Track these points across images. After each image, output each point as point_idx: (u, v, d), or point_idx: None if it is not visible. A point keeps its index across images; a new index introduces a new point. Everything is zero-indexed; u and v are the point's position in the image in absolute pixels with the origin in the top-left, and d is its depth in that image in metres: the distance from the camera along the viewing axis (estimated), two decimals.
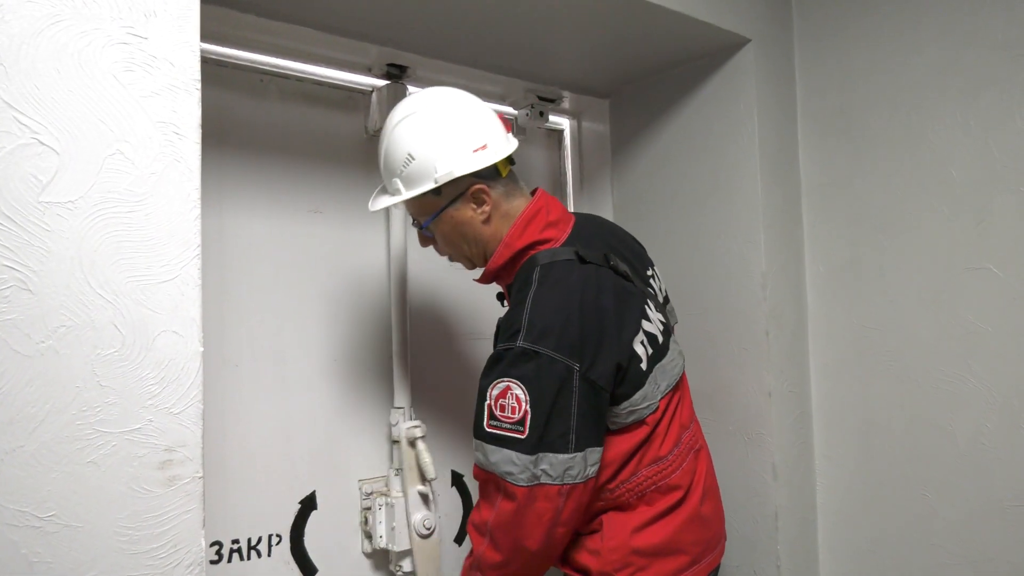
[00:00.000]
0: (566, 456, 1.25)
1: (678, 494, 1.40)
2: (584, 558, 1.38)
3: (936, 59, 1.68)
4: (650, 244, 2.06)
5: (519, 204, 1.44)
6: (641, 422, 1.36)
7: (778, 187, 1.87)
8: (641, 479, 1.38)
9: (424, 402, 1.94)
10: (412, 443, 1.76)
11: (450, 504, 1.99)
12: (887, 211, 1.77)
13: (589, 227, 1.50)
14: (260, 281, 1.72)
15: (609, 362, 1.30)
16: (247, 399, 1.68)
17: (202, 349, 1.00)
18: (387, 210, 1.87)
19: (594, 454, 1.29)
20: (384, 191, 1.47)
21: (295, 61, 1.77)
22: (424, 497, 1.75)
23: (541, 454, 1.24)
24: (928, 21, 1.69)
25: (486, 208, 1.39)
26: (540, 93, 2.12)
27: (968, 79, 1.63)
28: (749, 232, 1.84)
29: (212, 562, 1.62)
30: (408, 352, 1.84)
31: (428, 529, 1.71)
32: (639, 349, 1.37)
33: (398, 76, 1.86)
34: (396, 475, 1.79)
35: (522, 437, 1.24)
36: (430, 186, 1.36)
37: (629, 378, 1.33)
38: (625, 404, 1.34)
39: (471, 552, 1.38)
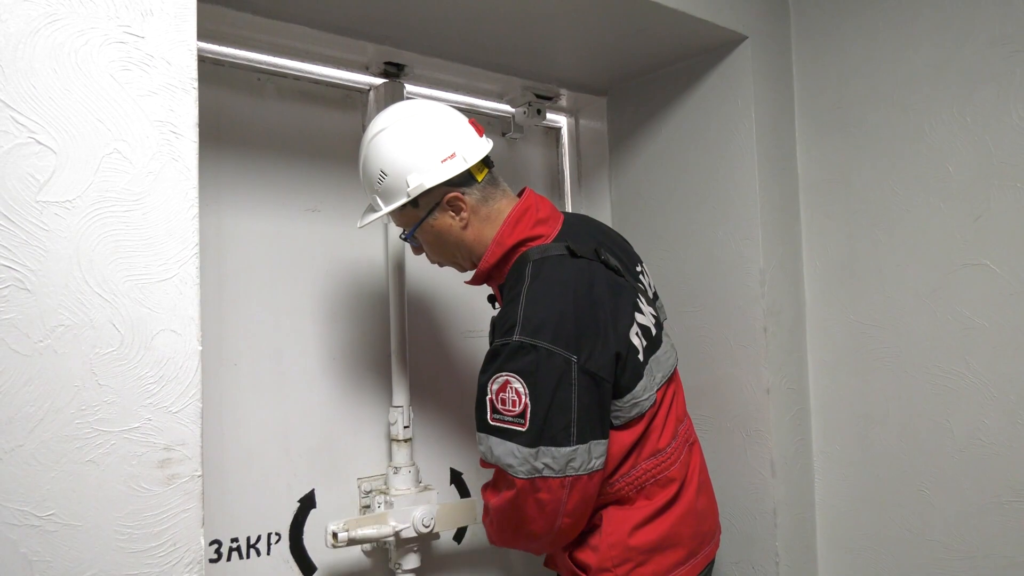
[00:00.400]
0: (568, 449, 1.26)
1: (675, 487, 1.42)
2: (584, 555, 1.40)
3: (932, 55, 1.68)
4: (648, 241, 2.07)
5: (501, 206, 1.46)
6: (641, 415, 1.38)
7: (775, 183, 1.87)
8: (640, 472, 1.39)
9: (422, 399, 1.94)
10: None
11: (449, 502, 1.99)
12: (884, 207, 1.77)
13: (578, 224, 1.53)
14: (258, 279, 1.72)
15: (607, 352, 1.31)
16: (246, 398, 1.68)
17: (200, 348, 1.00)
18: None
19: (599, 446, 1.30)
20: (370, 208, 1.51)
21: (292, 60, 1.77)
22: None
23: (542, 447, 1.25)
24: (924, 17, 1.69)
25: (464, 215, 1.42)
26: (537, 91, 2.12)
27: (965, 75, 1.63)
28: (747, 228, 1.84)
29: (211, 561, 1.62)
30: (406, 350, 1.84)
31: (427, 526, 1.72)
32: (635, 341, 1.39)
33: (396, 74, 1.86)
34: (395, 473, 1.79)
35: (523, 430, 1.25)
36: (404, 200, 1.40)
37: (629, 368, 1.35)
38: (628, 396, 1.35)
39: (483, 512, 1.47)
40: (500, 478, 1.34)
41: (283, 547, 1.73)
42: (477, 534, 2.01)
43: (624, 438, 1.37)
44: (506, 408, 1.27)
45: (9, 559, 0.86)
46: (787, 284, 1.89)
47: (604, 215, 2.22)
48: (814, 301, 1.92)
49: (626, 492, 1.39)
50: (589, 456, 1.28)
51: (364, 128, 1.87)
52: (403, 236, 1.51)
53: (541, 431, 1.25)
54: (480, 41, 1.79)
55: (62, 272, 0.90)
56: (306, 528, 1.75)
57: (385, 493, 1.78)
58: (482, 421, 1.32)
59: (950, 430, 1.67)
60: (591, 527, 1.41)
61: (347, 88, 1.89)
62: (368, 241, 1.89)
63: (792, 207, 1.92)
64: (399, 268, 1.84)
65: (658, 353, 1.46)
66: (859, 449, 1.84)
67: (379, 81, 1.86)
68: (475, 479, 2.05)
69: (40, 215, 0.89)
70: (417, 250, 1.55)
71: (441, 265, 1.56)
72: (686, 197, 1.98)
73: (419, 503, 1.75)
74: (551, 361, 1.26)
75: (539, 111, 2.15)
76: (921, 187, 1.70)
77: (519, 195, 1.51)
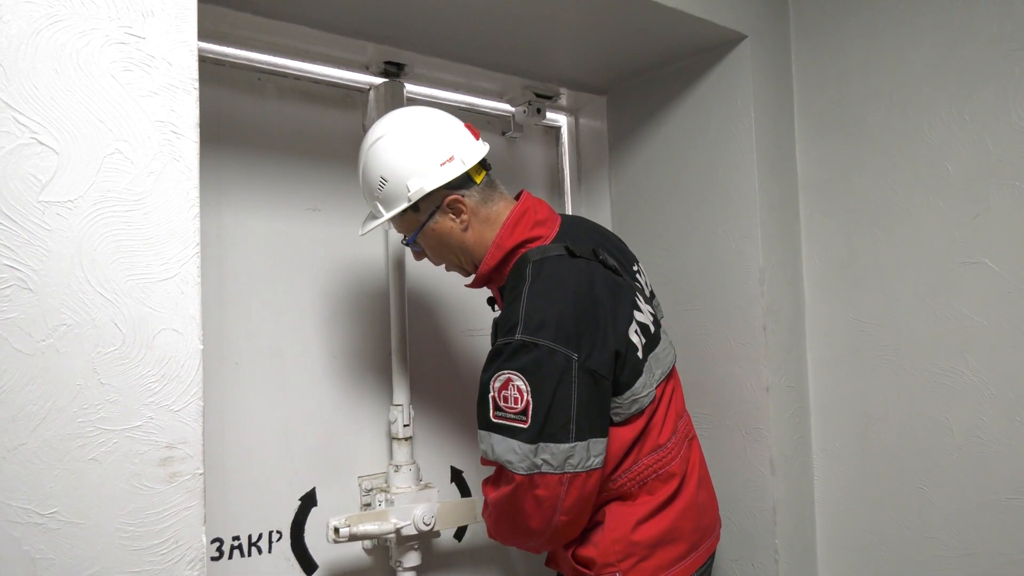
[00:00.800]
0: (567, 446, 1.27)
1: (675, 482, 1.43)
2: (587, 551, 1.41)
3: (932, 54, 1.68)
4: (647, 240, 2.07)
5: (500, 208, 1.47)
6: (641, 411, 1.39)
7: (775, 182, 1.87)
8: (642, 467, 1.40)
9: (423, 398, 1.95)
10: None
11: (449, 500, 2.00)
12: (883, 206, 1.77)
13: (575, 226, 1.54)
14: (259, 279, 1.73)
15: (607, 351, 1.33)
16: (247, 396, 1.69)
17: (202, 347, 1.00)
18: None
19: (598, 444, 1.31)
20: (371, 215, 1.52)
21: (292, 59, 1.77)
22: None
23: (542, 444, 1.26)
24: (924, 16, 1.70)
25: (464, 217, 1.44)
26: (537, 90, 2.13)
27: (964, 74, 1.63)
28: (746, 227, 1.84)
29: (213, 559, 1.63)
30: (407, 348, 1.85)
31: (428, 524, 1.72)
32: (634, 339, 1.40)
33: (396, 74, 1.86)
34: (395, 471, 1.79)
35: (524, 427, 1.27)
36: (405, 204, 1.42)
37: (628, 366, 1.36)
38: (628, 393, 1.36)
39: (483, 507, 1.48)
40: (500, 474, 1.36)
41: (284, 545, 1.73)
42: (478, 532, 2.02)
43: (625, 434, 1.38)
44: (508, 406, 1.28)
45: (12, 557, 0.86)
46: (786, 283, 1.89)
47: (604, 214, 2.22)
48: (813, 300, 1.93)
49: (628, 488, 1.40)
50: (588, 454, 1.29)
51: (364, 128, 1.88)
52: (405, 241, 1.52)
53: (542, 428, 1.26)
54: (480, 40, 1.79)
55: (64, 272, 0.91)
56: (307, 526, 1.76)
57: (386, 491, 1.78)
58: (484, 419, 1.33)
59: (949, 428, 1.67)
60: (594, 524, 1.42)
61: (347, 88, 1.89)
62: (368, 240, 1.90)
63: (791, 206, 1.93)
64: (399, 267, 1.85)
65: (657, 350, 1.48)
66: (858, 447, 1.84)
67: (379, 81, 1.86)
68: (475, 477, 2.05)
69: (42, 215, 0.90)
70: (419, 255, 1.56)
71: (448, 268, 1.57)
72: (686, 196, 1.98)
73: (420, 501, 1.75)
74: (552, 359, 1.27)
75: (539, 110, 2.15)
76: (920, 186, 1.71)
77: (516, 198, 1.52)
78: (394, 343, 1.84)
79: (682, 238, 1.99)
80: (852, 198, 1.83)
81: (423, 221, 1.44)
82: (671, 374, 1.53)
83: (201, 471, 1.00)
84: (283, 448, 1.74)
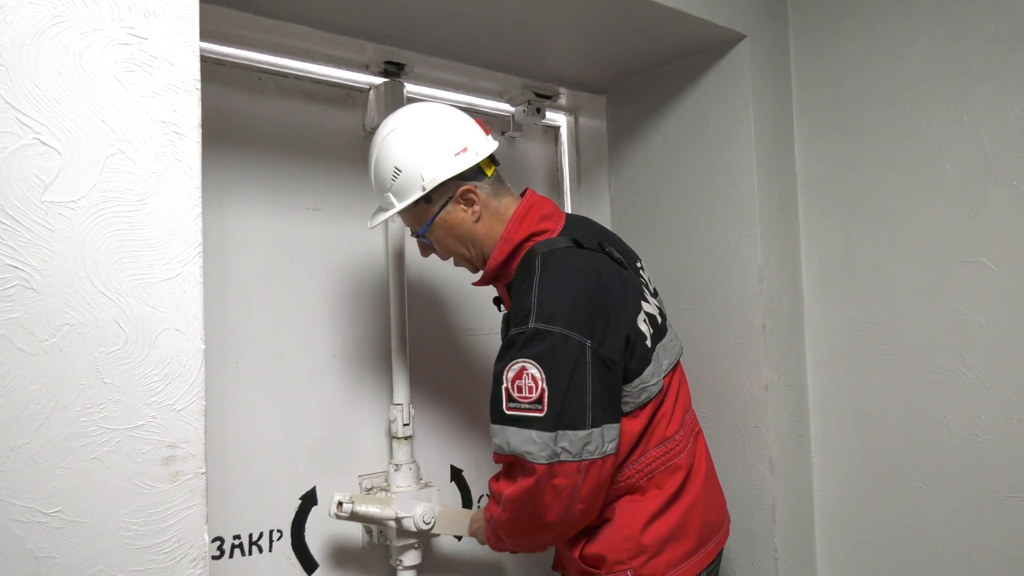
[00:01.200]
0: (584, 432, 1.27)
1: (682, 474, 1.43)
2: (596, 549, 1.40)
3: (929, 53, 1.69)
4: (647, 239, 2.08)
5: (508, 203, 1.49)
6: (650, 400, 1.40)
7: (774, 181, 1.88)
8: (650, 459, 1.41)
9: (423, 397, 1.95)
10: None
11: (450, 499, 2.01)
12: (882, 205, 1.78)
13: (580, 222, 1.56)
14: (260, 278, 1.73)
15: (619, 337, 1.34)
16: (247, 396, 1.69)
17: (204, 346, 1.01)
18: None
19: (611, 430, 1.32)
20: (380, 208, 1.52)
21: (293, 59, 1.78)
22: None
23: (560, 431, 1.27)
24: (922, 15, 1.70)
25: (476, 207, 1.45)
26: (537, 89, 2.13)
27: (962, 73, 1.64)
28: (745, 226, 1.85)
29: (214, 558, 1.63)
30: (407, 348, 1.85)
31: (427, 523, 1.72)
32: (643, 327, 1.42)
33: (396, 73, 1.87)
34: (396, 470, 1.80)
35: (541, 415, 1.27)
36: (419, 193, 1.42)
37: (637, 354, 1.37)
38: (636, 381, 1.37)
39: (488, 507, 1.46)
40: (517, 468, 1.34)
41: (285, 544, 1.74)
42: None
43: (633, 425, 1.39)
44: (522, 395, 1.28)
45: (16, 555, 0.87)
46: (785, 281, 1.90)
47: (603, 213, 2.22)
48: (812, 298, 1.93)
49: (636, 480, 1.41)
50: (603, 440, 1.30)
51: (364, 128, 1.89)
52: (416, 233, 1.51)
53: (559, 415, 1.27)
54: (480, 40, 1.80)
55: (67, 272, 0.91)
56: (308, 525, 1.77)
57: (386, 490, 1.79)
58: (497, 412, 1.32)
59: (947, 426, 1.68)
60: (602, 521, 1.42)
61: (348, 87, 1.90)
62: (369, 239, 1.90)
63: (790, 205, 1.93)
64: (400, 266, 1.85)
65: (664, 340, 1.49)
66: (857, 445, 1.85)
67: (379, 80, 1.87)
68: (475, 476, 2.06)
69: (45, 215, 0.90)
70: (427, 249, 1.55)
71: (456, 263, 1.57)
72: (685, 195, 1.99)
73: (420, 500, 1.76)
74: (567, 345, 1.28)
75: (538, 110, 2.15)
76: (918, 185, 1.71)
77: (521, 196, 1.53)
78: (394, 342, 1.84)
79: (681, 237, 1.99)
80: (851, 197, 1.84)
81: (435, 212, 1.45)
82: (677, 367, 1.54)
83: (203, 470, 1.00)
84: (283, 447, 1.74)
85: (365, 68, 1.86)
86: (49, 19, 0.91)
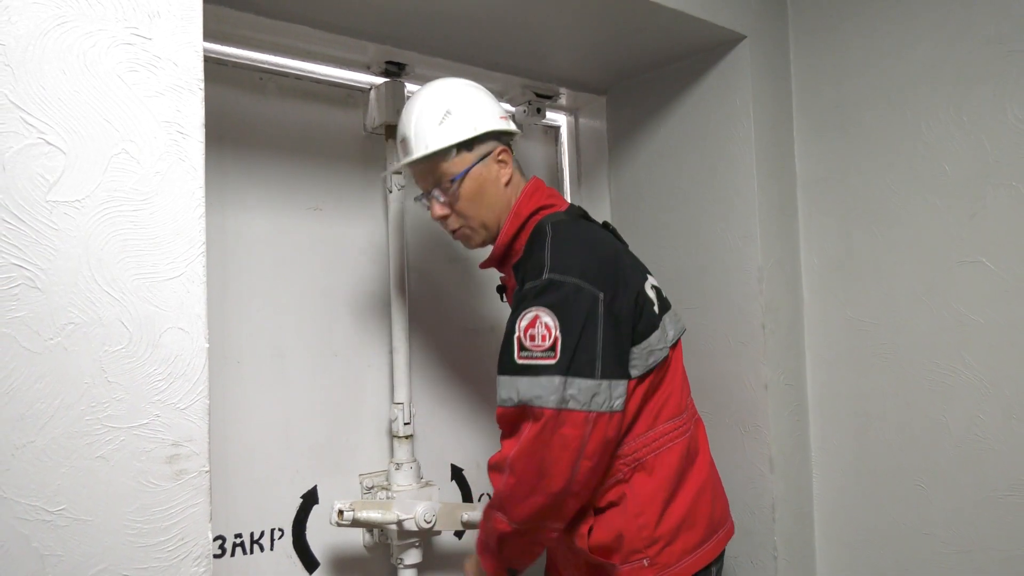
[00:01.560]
0: (593, 382, 1.29)
1: (688, 455, 1.44)
2: (608, 536, 1.38)
3: (929, 54, 1.70)
4: (647, 239, 2.08)
5: (521, 181, 1.55)
6: (657, 365, 1.41)
7: (774, 182, 1.88)
8: (659, 434, 1.42)
9: (424, 396, 1.96)
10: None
11: (450, 498, 2.01)
12: (881, 205, 1.79)
13: (581, 209, 1.61)
14: (261, 278, 1.74)
15: (629, 296, 1.38)
16: (249, 395, 1.70)
17: (208, 345, 1.01)
18: (387, 205, 1.88)
19: (619, 386, 1.33)
20: (407, 154, 1.51)
21: (294, 59, 1.78)
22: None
23: (570, 378, 1.28)
24: (921, 17, 1.71)
25: (508, 170, 1.51)
26: (537, 90, 2.14)
27: (961, 74, 1.65)
28: (745, 227, 1.85)
29: (216, 556, 1.63)
30: (408, 347, 1.86)
31: (428, 522, 1.73)
32: (650, 293, 1.45)
33: (396, 73, 1.87)
34: (396, 469, 1.80)
35: (553, 362, 1.28)
36: (469, 134, 1.46)
37: (645, 317, 1.40)
38: (644, 343, 1.39)
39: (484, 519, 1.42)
40: (521, 419, 1.32)
41: (286, 543, 1.74)
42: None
43: (640, 390, 1.40)
44: (535, 344, 1.30)
45: (21, 554, 0.87)
46: (785, 281, 1.90)
47: (603, 213, 2.23)
48: (812, 298, 1.94)
49: (643, 455, 1.40)
50: (610, 394, 1.31)
51: (365, 128, 1.90)
52: (443, 187, 1.49)
53: (570, 362, 1.28)
54: (480, 40, 1.80)
55: (71, 271, 0.91)
56: (309, 524, 1.77)
57: (387, 489, 1.79)
58: (508, 363, 1.33)
59: (947, 425, 1.69)
60: (609, 504, 1.39)
61: (348, 87, 1.90)
62: (370, 239, 1.91)
63: (790, 205, 1.94)
64: (401, 265, 1.86)
65: (669, 313, 1.52)
66: (856, 444, 1.85)
67: (380, 80, 1.87)
68: (476, 475, 2.06)
69: (50, 215, 0.90)
70: (441, 208, 1.52)
71: (457, 232, 1.54)
72: (685, 195, 1.99)
73: (420, 499, 1.76)
74: (580, 295, 1.31)
75: (539, 110, 2.16)
76: (918, 185, 1.72)
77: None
78: (395, 341, 1.85)
79: (682, 237, 2.00)
80: (850, 197, 1.84)
81: (472, 163, 1.47)
82: (679, 345, 1.55)
83: (207, 468, 1.00)
84: (285, 446, 1.75)
85: (366, 68, 1.87)
86: (54, 19, 0.91)
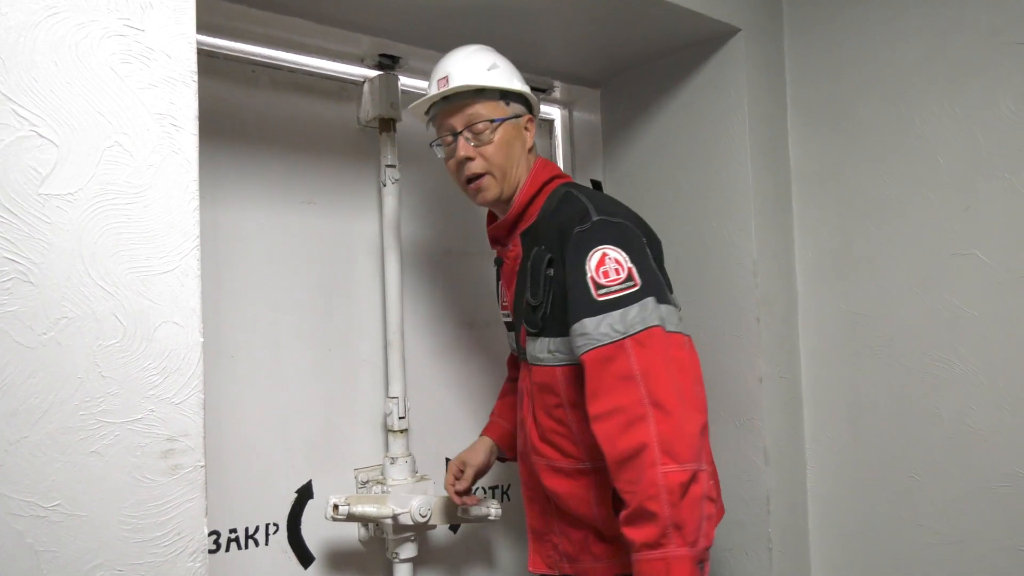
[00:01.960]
0: (668, 306, 1.34)
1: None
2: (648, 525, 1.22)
3: (923, 48, 1.70)
4: None
5: (536, 156, 1.60)
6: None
7: (768, 175, 1.89)
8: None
9: (418, 390, 1.96)
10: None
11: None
12: (875, 198, 1.79)
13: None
14: (255, 272, 1.73)
15: (656, 251, 1.45)
16: (243, 390, 1.69)
17: (202, 339, 1.01)
18: (380, 198, 1.87)
19: (674, 315, 1.38)
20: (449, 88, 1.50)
21: (287, 52, 1.77)
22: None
23: (654, 300, 1.30)
24: (914, 10, 1.71)
25: (530, 138, 1.56)
26: (531, 83, 2.12)
27: (954, 67, 1.65)
28: (740, 220, 1.85)
29: (210, 551, 1.63)
30: (402, 341, 1.85)
31: (424, 516, 1.73)
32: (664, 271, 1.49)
33: (390, 66, 1.86)
34: (391, 463, 1.80)
35: (636, 289, 1.29)
36: (517, 87, 1.53)
37: (666, 280, 1.45)
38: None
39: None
40: (619, 355, 1.25)
41: (281, 537, 1.74)
42: (474, 525, 2.02)
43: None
44: (611, 279, 1.30)
45: (15, 549, 0.87)
46: (780, 274, 1.90)
47: None
48: (806, 291, 1.95)
49: None
50: (678, 319, 1.38)
51: (359, 121, 1.90)
52: (490, 121, 1.48)
53: (650, 285, 1.31)
54: (474, 33, 1.79)
55: (65, 265, 0.91)
56: (304, 519, 1.77)
57: (382, 483, 1.79)
58: (588, 304, 1.29)
59: (939, 417, 1.69)
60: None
61: (342, 80, 1.89)
62: (364, 232, 1.90)
63: (784, 198, 1.94)
64: (396, 259, 1.85)
65: (675, 293, 1.53)
66: (850, 436, 1.86)
67: (373, 73, 1.86)
68: None
69: (42, 208, 0.89)
70: (469, 148, 1.49)
71: (475, 181, 1.51)
72: (680, 189, 1.99)
73: (416, 493, 1.76)
74: (631, 231, 1.38)
75: None
76: (912, 178, 1.72)
77: None
78: (389, 335, 1.84)
79: (676, 230, 2.00)
80: (844, 190, 1.85)
81: (509, 115, 1.51)
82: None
83: (202, 463, 1.00)
84: (279, 441, 1.74)
85: (359, 61, 1.86)
86: (45, 10, 0.90)
